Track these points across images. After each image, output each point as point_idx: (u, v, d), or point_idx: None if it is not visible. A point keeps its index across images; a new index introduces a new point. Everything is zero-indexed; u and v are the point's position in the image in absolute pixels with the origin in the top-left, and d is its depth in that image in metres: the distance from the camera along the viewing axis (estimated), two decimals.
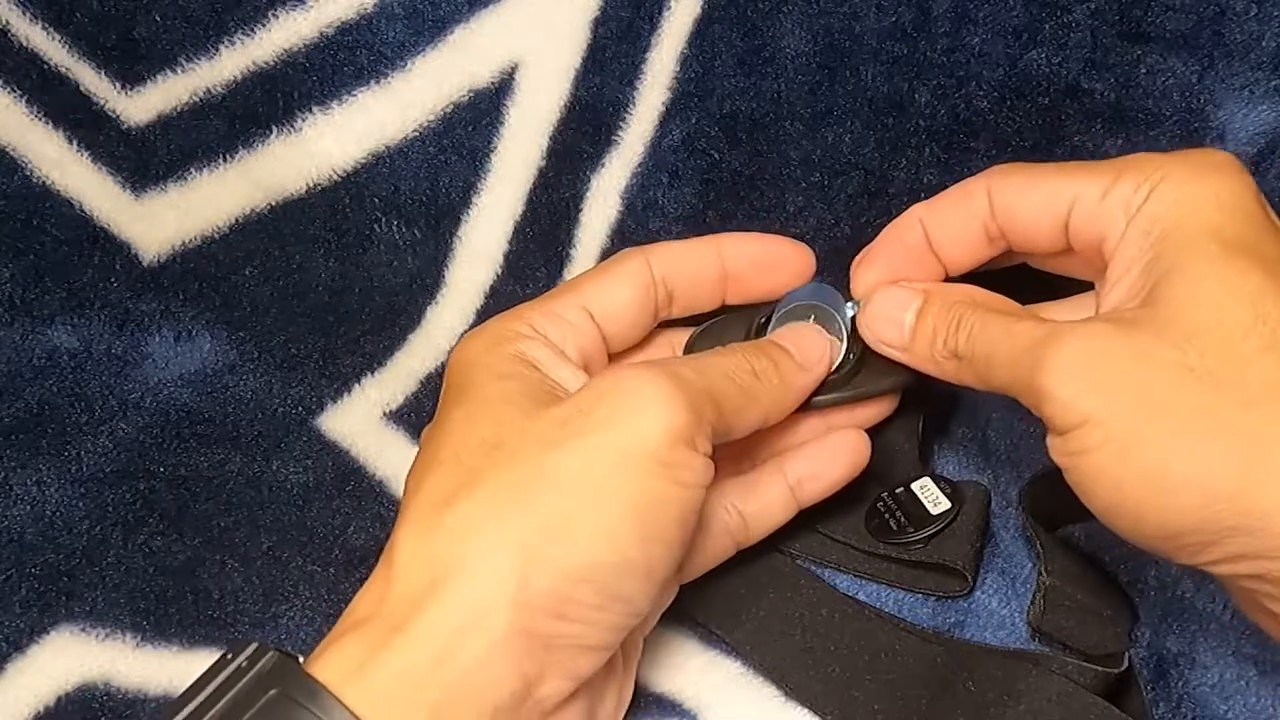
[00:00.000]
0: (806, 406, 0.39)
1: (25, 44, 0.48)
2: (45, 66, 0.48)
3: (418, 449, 0.36)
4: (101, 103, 0.49)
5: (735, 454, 0.40)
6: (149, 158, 0.50)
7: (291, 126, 0.49)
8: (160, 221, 0.51)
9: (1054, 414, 0.32)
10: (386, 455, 0.47)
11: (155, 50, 0.48)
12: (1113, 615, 0.39)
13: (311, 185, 0.49)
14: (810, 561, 0.42)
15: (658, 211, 0.48)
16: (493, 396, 0.35)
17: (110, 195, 0.50)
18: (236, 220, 0.50)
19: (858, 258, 0.40)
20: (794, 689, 0.39)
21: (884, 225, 0.48)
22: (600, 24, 0.46)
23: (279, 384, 0.50)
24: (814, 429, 0.40)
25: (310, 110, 0.48)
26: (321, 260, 0.51)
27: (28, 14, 0.48)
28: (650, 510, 0.32)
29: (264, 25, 0.47)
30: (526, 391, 0.35)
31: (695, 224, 0.49)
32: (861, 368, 0.40)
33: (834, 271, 0.49)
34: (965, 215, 0.37)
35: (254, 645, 0.31)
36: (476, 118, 0.48)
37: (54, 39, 0.48)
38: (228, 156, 0.49)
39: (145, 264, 0.51)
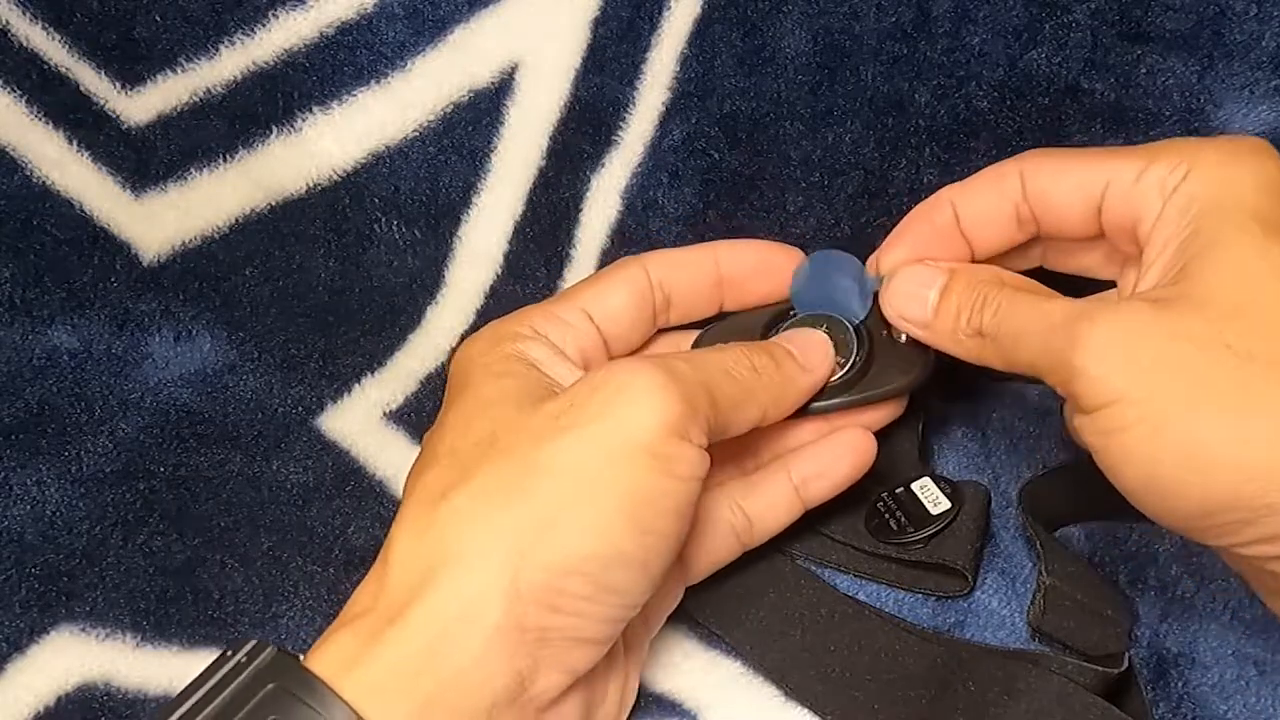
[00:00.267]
0: (811, 411, 0.40)
1: (25, 44, 0.48)
2: (45, 66, 0.48)
3: (420, 451, 0.37)
4: (101, 103, 0.49)
5: (740, 454, 0.40)
6: (149, 158, 0.50)
7: (291, 126, 0.49)
8: (160, 221, 0.51)
9: (1086, 392, 0.31)
10: (386, 455, 0.47)
11: (155, 50, 0.48)
12: (1113, 615, 0.39)
13: (311, 185, 0.49)
14: (811, 562, 0.42)
15: (658, 211, 0.48)
16: (490, 395, 0.35)
17: (110, 195, 0.50)
18: (236, 220, 0.50)
19: (887, 238, 0.40)
20: (794, 689, 0.39)
21: (884, 225, 0.48)
22: (600, 24, 0.46)
23: (279, 384, 0.50)
24: (819, 430, 0.40)
25: (310, 110, 0.48)
26: (321, 260, 0.51)
27: (28, 14, 0.48)
28: (643, 502, 0.32)
29: (264, 25, 0.47)
30: (524, 389, 0.35)
31: (695, 224, 0.49)
32: (867, 371, 0.40)
33: None
34: (997, 196, 0.37)
35: (253, 642, 0.31)
36: (476, 118, 0.48)
37: (54, 39, 0.48)
38: (228, 156, 0.49)
39: (145, 264, 0.51)
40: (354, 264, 0.50)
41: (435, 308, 0.50)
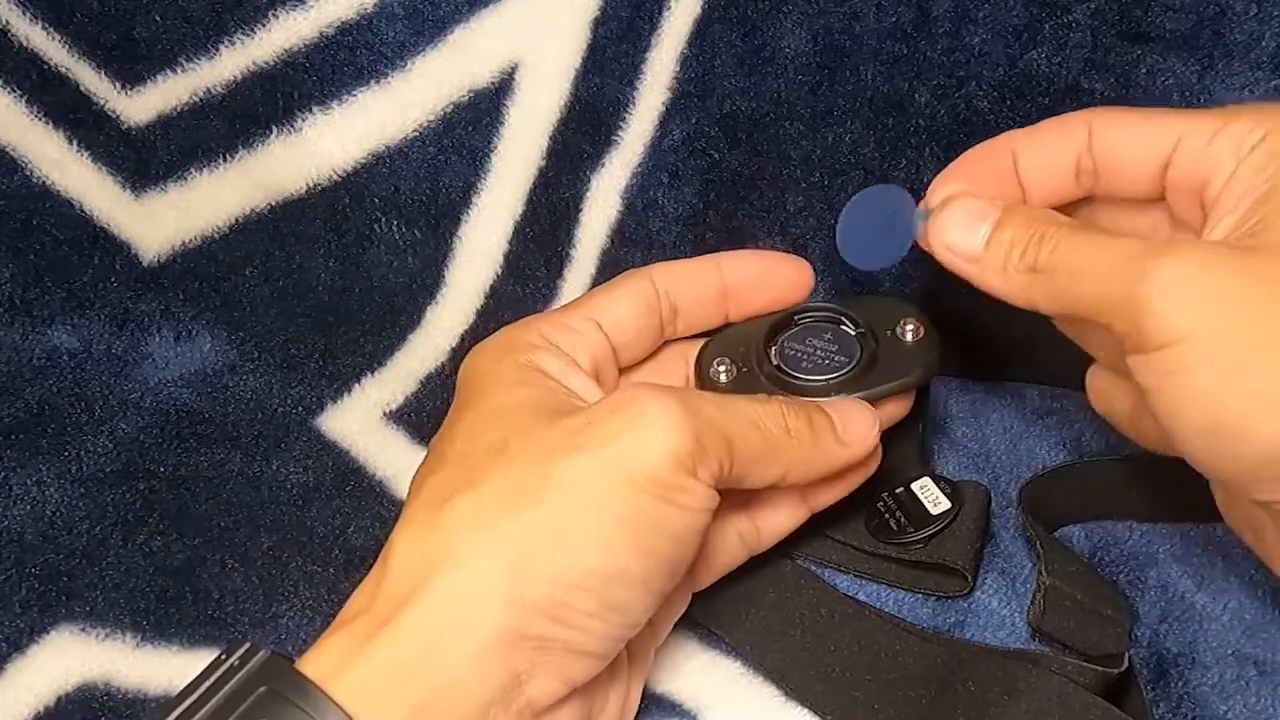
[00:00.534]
0: None
1: (25, 44, 0.48)
2: (45, 66, 0.48)
3: (425, 455, 0.37)
4: (101, 103, 0.49)
5: None
6: (149, 158, 0.50)
7: (291, 126, 0.49)
8: (160, 221, 0.51)
9: (1152, 328, 0.30)
10: (386, 455, 0.47)
11: (155, 50, 0.48)
12: (1113, 615, 0.39)
13: (311, 185, 0.49)
14: (811, 562, 0.42)
15: (658, 211, 0.48)
16: (505, 404, 0.36)
17: (110, 195, 0.50)
18: (236, 220, 0.50)
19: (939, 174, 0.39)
20: (794, 689, 0.39)
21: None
22: (600, 24, 0.46)
23: (279, 384, 0.50)
24: None
25: (310, 110, 0.48)
26: (321, 260, 0.51)
27: (28, 14, 0.48)
28: (646, 526, 0.32)
29: (264, 25, 0.47)
30: (540, 400, 0.35)
31: (695, 224, 0.49)
32: (872, 370, 0.40)
33: (833, 272, 0.49)
34: (1062, 144, 0.36)
35: (246, 645, 0.31)
36: (476, 118, 0.48)
37: (54, 39, 0.48)
38: (228, 156, 0.49)
39: (145, 264, 0.51)
40: (354, 264, 0.50)
41: (435, 308, 0.50)
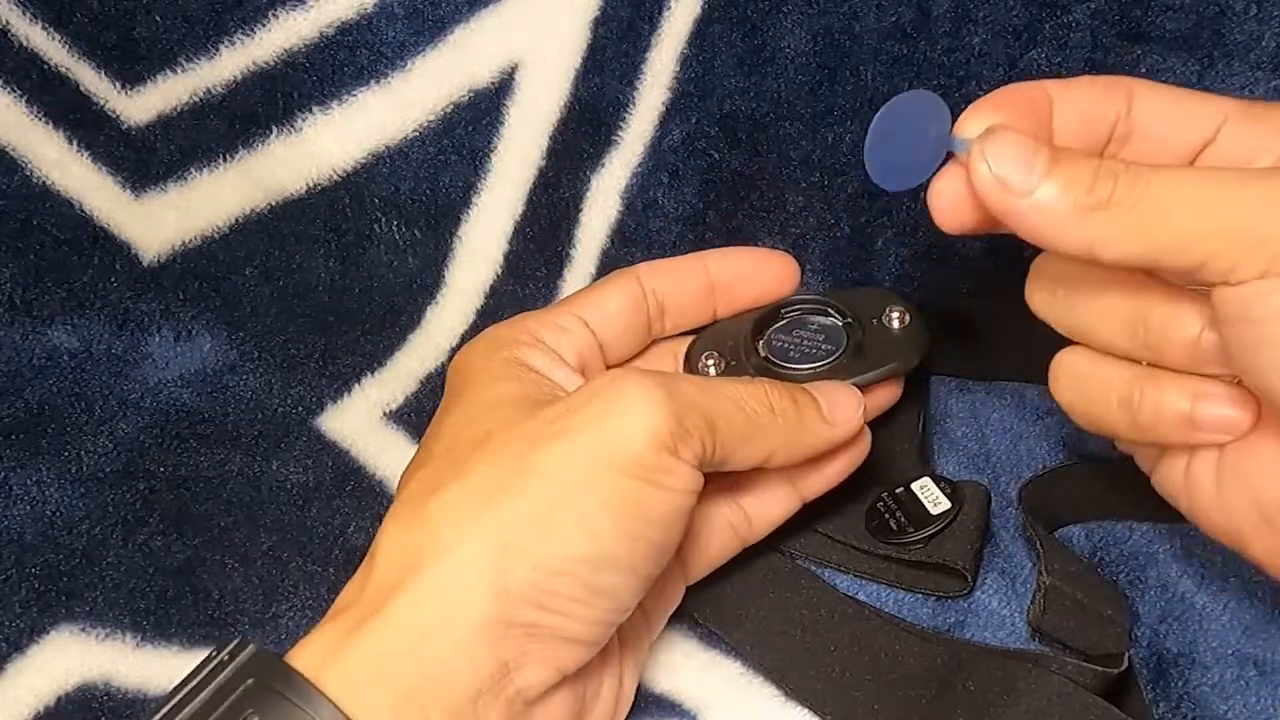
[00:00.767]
0: None
1: (25, 44, 0.48)
2: (45, 66, 0.48)
3: (416, 451, 0.37)
4: (101, 103, 0.49)
5: None
6: (149, 158, 0.50)
7: (291, 126, 0.49)
8: (160, 221, 0.51)
9: (1274, 256, 0.29)
10: (386, 455, 0.47)
11: (155, 50, 0.48)
12: (1113, 615, 0.39)
13: (311, 185, 0.49)
14: (810, 562, 0.42)
15: (658, 211, 0.48)
16: (489, 398, 0.36)
17: (110, 195, 0.50)
18: (236, 220, 0.50)
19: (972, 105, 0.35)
20: (794, 689, 0.39)
21: (884, 225, 0.48)
22: (600, 24, 0.46)
23: (279, 384, 0.50)
24: None
25: (310, 110, 0.48)
26: (321, 260, 0.51)
27: (28, 14, 0.48)
28: (630, 509, 0.32)
29: (264, 25, 0.47)
30: (523, 394, 0.36)
31: (695, 224, 0.49)
32: (860, 358, 0.41)
33: (833, 273, 0.49)
34: (1102, 103, 0.34)
35: (235, 641, 0.32)
36: (476, 118, 0.48)
37: (54, 39, 0.48)
38: (228, 156, 0.49)
39: (145, 264, 0.51)
40: (354, 264, 0.51)
41: (435, 308, 0.50)
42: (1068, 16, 0.43)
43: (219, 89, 0.48)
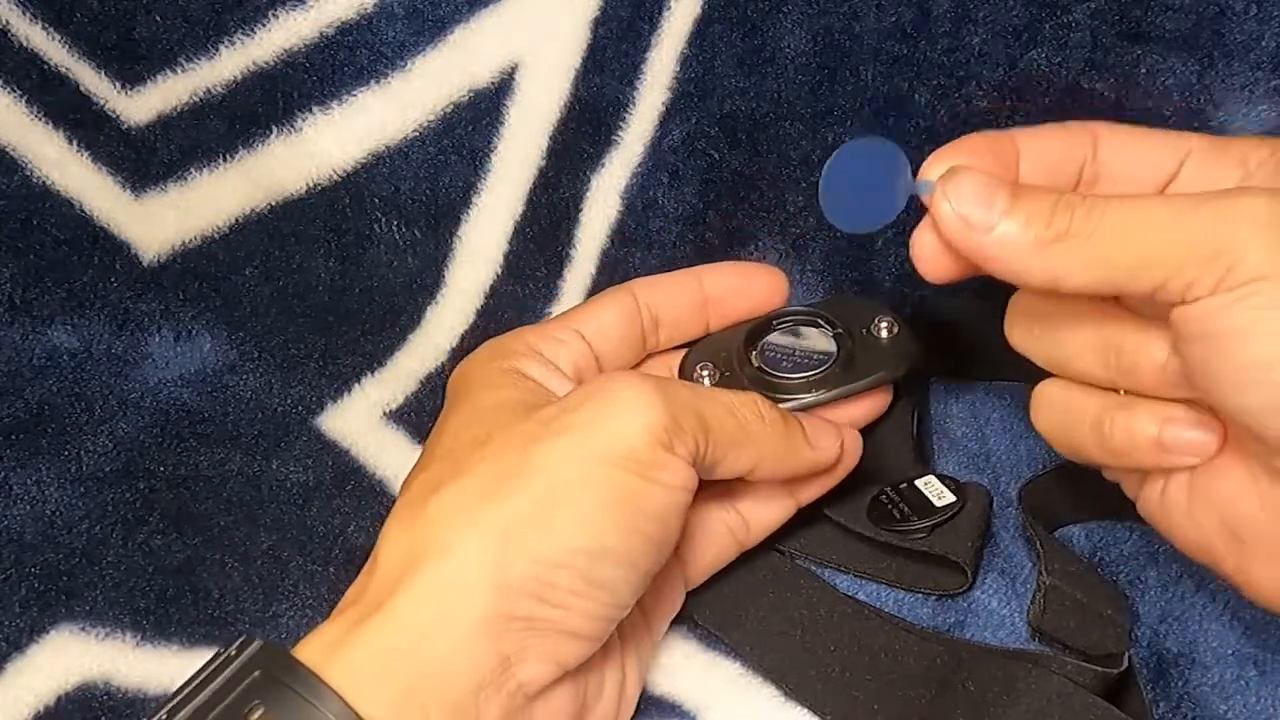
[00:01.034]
0: (796, 409, 0.40)
1: (25, 44, 0.48)
2: (45, 66, 0.48)
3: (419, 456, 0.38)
4: (101, 103, 0.49)
5: None
6: (149, 158, 0.50)
7: (291, 126, 0.49)
8: (160, 221, 0.51)
9: (1238, 264, 0.29)
10: (386, 455, 0.47)
11: (155, 50, 0.48)
12: (1113, 615, 0.39)
13: (311, 185, 0.49)
14: (810, 561, 0.42)
15: (658, 211, 0.48)
16: (488, 404, 0.37)
17: (110, 195, 0.50)
18: (236, 220, 0.50)
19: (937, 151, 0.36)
20: (794, 689, 0.39)
21: (884, 225, 0.48)
22: (600, 24, 0.46)
23: (279, 384, 0.50)
24: None
25: (310, 110, 0.48)
26: (321, 260, 0.51)
27: (28, 14, 0.48)
28: (628, 504, 0.33)
29: (264, 25, 0.47)
30: (520, 399, 0.37)
31: (695, 224, 0.49)
32: (849, 367, 0.41)
33: (833, 273, 0.49)
34: (1067, 148, 0.35)
35: (242, 638, 0.32)
36: (476, 118, 0.48)
37: (54, 39, 0.48)
38: (228, 156, 0.49)
39: (145, 264, 0.51)
40: (354, 264, 0.50)
41: (435, 308, 0.50)
42: (1068, 16, 0.43)
43: (219, 89, 0.48)
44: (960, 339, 0.48)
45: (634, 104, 0.47)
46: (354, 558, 0.44)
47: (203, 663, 0.32)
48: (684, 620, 0.41)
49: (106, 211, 0.51)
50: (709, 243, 0.49)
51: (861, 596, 0.41)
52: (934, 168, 0.34)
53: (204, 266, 0.51)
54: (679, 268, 0.44)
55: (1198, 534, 0.34)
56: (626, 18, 0.46)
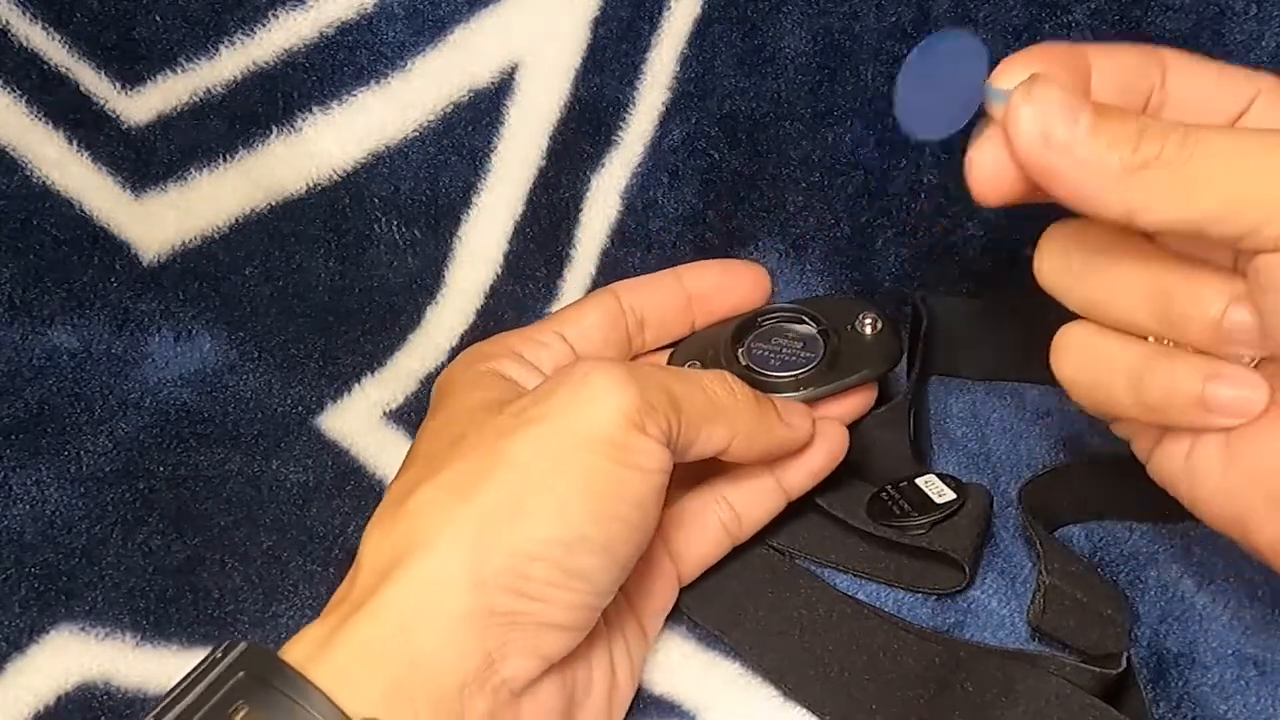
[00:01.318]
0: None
1: (25, 44, 0.48)
2: (45, 66, 0.48)
3: None
4: (101, 103, 0.49)
5: None
6: (149, 158, 0.50)
7: (291, 126, 0.49)
8: (160, 221, 0.51)
9: None
10: (386, 455, 0.47)
11: (155, 50, 0.48)
12: (1113, 615, 0.39)
13: (311, 185, 0.49)
14: (809, 561, 0.42)
15: (658, 211, 0.48)
16: (465, 404, 0.37)
17: (110, 195, 0.50)
18: (236, 220, 0.50)
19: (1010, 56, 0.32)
20: (793, 689, 0.39)
21: (884, 225, 0.48)
22: (600, 24, 0.46)
23: (279, 384, 0.50)
24: None
25: (310, 110, 0.48)
26: (321, 260, 0.51)
27: (28, 14, 0.48)
28: (603, 490, 0.33)
29: (264, 25, 0.47)
30: (496, 397, 0.37)
31: (695, 224, 0.49)
32: (835, 364, 0.42)
33: (833, 273, 0.49)
34: (1143, 72, 0.33)
35: (228, 641, 0.32)
36: (476, 118, 0.48)
37: (54, 39, 0.48)
38: (228, 156, 0.49)
39: (145, 264, 0.51)
40: (354, 264, 0.50)
41: (435, 308, 0.50)
42: (1068, 16, 0.43)
43: (219, 89, 0.48)
44: (960, 339, 0.48)
45: (634, 104, 0.47)
46: (354, 558, 0.44)
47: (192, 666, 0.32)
48: (683, 620, 0.41)
49: (106, 211, 0.51)
50: (709, 243, 0.49)
51: (861, 596, 0.41)
52: (1008, 75, 0.31)
53: (204, 266, 0.51)
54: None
55: (1228, 501, 0.32)
56: (626, 18, 0.46)
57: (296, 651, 0.31)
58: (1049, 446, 0.46)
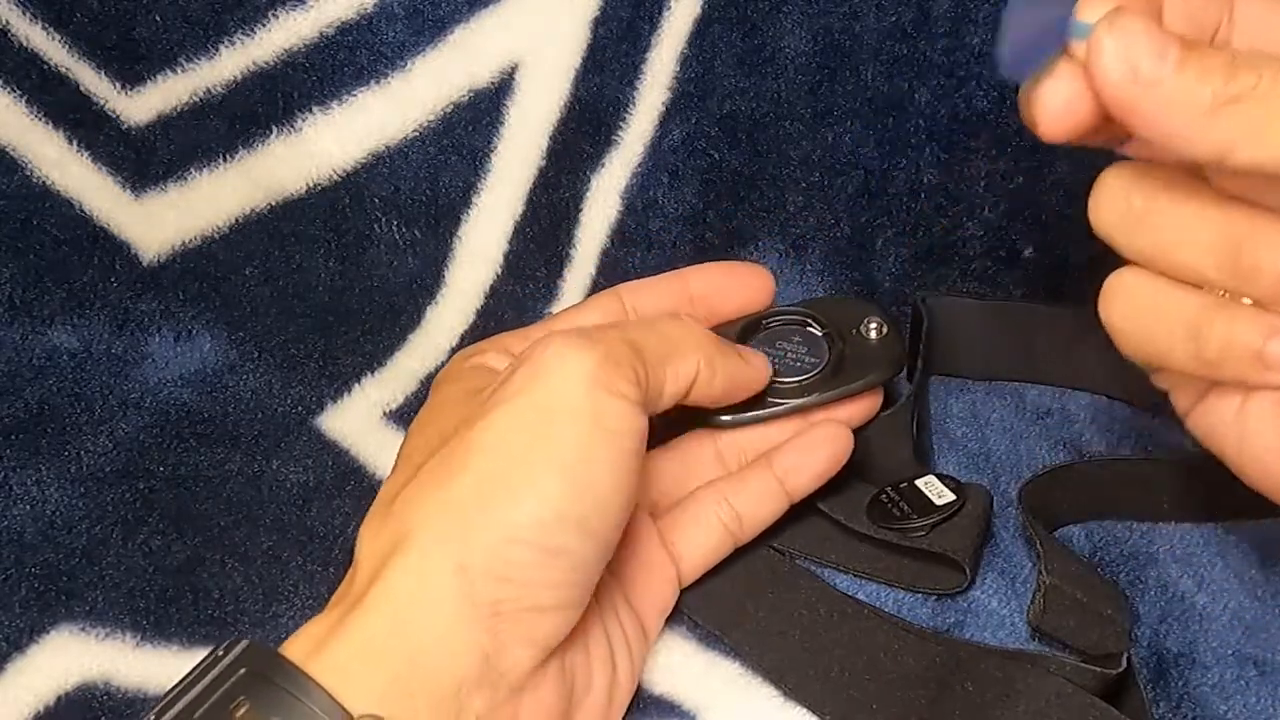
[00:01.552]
0: (790, 410, 0.41)
1: (25, 44, 0.48)
2: (45, 66, 0.48)
3: None
4: (101, 103, 0.49)
5: (726, 453, 0.42)
6: (149, 158, 0.50)
7: (291, 126, 0.49)
8: (160, 221, 0.51)
9: None
10: (386, 455, 0.47)
11: (155, 50, 0.48)
12: (1113, 615, 0.39)
13: (311, 185, 0.49)
14: (809, 561, 0.42)
15: (658, 211, 0.48)
16: (446, 397, 0.38)
17: (110, 195, 0.50)
18: (236, 220, 0.50)
19: None
20: (793, 689, 0.39)
21: (884, 225, 0.48)
22: (600, 24, 0.46)
23: (279, 384, 0.50)
24: (799, 429, 0.42)
25: (310, 110, 0.48)
26: (321, 260, 0.51)
27: (28, 14, 0.48)
28: (576, 461, 0.32)
29: (264, 25, 0.47)
30: (478, 386, 0.37)
31: (695, 224, 0.49)
32: (841, 369, 0.42)
33: (833, 273, 0.49)
34: (1212, 6, 0.31)
35: (230, 639, 0.32)
36: (476, 118, 0.48)
37: (54, 39, 0.48)
38: (228, 156, 0.49)
39: (145, 264, 0.51)
40: (354, 264, 0.51)
41: (435, 308, 0.50)
42: None
43: (219, 89, 0.48)
44: (960, 339, 0.48)
45: (634, 104, 0.47)
46: (353, 558, 0.44)
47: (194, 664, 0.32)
48: (683, 620, 0.41)
49: (106, 211, 0.51)
50: (709, 243, 0.49)
51: (861, 596, 0.41)
52: (1091, 8, 0.29)
53: (204, 266, 0.51)
54: (678, 268, 0.44)
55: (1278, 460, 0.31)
56: (626, 18, 0.46)
57: (297, 648, 0.32)
58: (1049, 446, 0.46)
